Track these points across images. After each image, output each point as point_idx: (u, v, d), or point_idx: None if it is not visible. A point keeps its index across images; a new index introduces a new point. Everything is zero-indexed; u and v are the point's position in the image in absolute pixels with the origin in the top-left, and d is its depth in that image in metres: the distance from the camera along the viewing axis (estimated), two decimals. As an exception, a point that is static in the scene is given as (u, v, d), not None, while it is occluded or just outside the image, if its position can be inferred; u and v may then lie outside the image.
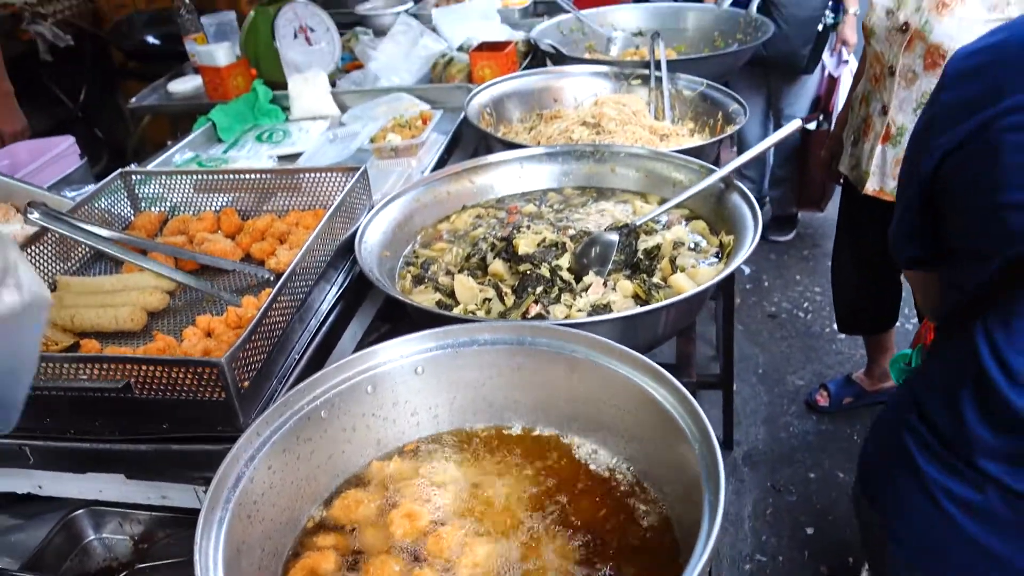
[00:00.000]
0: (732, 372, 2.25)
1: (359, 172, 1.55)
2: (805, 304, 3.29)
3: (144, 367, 1.06)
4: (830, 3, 3.16)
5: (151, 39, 3.74)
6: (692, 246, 1.48)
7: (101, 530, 1.38)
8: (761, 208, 3.17)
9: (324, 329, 1.32)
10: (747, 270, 3.51)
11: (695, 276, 1.35)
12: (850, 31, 3.22)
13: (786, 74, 3.32)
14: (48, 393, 1.10)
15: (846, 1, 3.20)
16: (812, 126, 3.41)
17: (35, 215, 1.41)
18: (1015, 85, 0.91)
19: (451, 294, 1.39)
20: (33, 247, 1.45)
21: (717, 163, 1.86)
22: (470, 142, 2.25)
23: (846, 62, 3.25)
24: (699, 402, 0.94)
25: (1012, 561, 1.00)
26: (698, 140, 2.03)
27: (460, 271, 1.44)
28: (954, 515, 1.04)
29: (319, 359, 1.30)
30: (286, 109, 2.44)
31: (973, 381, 1.00)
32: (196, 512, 1.23)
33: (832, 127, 2.98)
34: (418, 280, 1.46)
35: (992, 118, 0.92)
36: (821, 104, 3.42)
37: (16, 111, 2.79)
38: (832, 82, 3.30)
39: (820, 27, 3.10)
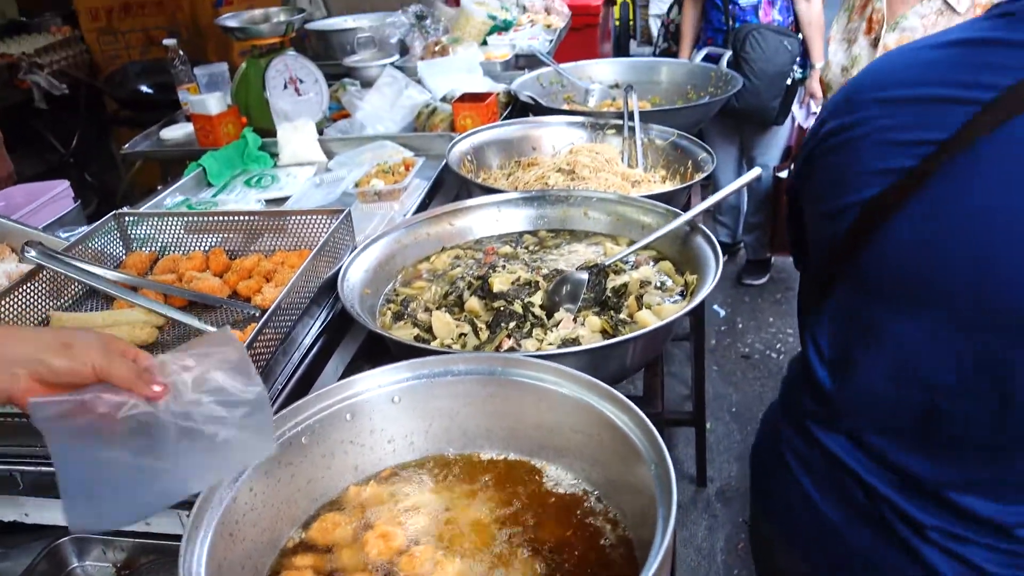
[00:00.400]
0: (704, 409, 2.32)
1: (343, 214, 1.63)
2: (778, 345, 3.38)
3: (134, 395, 1.12)
4: (798, 59, 3.34)
5: (144, 88, 3.86)
6: (659, 285, 1.56)
7: (84, 558, 1.41)
8: (735, 253, 3.34)
9: (307, 361, 1.38)
10: (722, 312, 3.61)
11: (660, 312, 1.43)
12: (817, 85, 3.41)
13: (757, 125, 3.50)
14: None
15: (812, 57, 3.41)
16: (784, 174, 3.57)
17: (32, 253, 1.47)
18: (834, 113, 1.10)
19: (429, 329, 1.46)
20: (27, 284, 1.51)
21: (687, 208, 1.96)
22: (451, 187, 2.35)
23: (815, 114, 3.42)
24: (675, 440, 1.01)
25: (819, 504, 1.21)
26: (669, 187, 2.13)
27: (438, 308, 1.51)
28: (795, 469, 1.24)
29: (301, 390, 1.36)
30: (274, 155, 2.53)
31: (805, 360, 1.21)
32: (178, 537, 1.28)
33: None
34: (398, 316, 1.53)
35: (817, 140, 1.12)
36: (792, 153, 3.57)
37: (3, 157, 2.85)
38: (802, 132, 3.48)
39: (789, 81, 3.29)
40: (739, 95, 3.03)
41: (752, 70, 3.20)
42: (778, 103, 3.32)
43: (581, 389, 1.09)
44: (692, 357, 2.66)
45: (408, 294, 1.61)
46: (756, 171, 1.69)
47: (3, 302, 1.44)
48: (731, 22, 3.38)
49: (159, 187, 3.39)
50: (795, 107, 3.45)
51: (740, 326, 3.53)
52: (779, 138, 3.60)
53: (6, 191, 2.29)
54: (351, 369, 1.59)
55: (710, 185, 2.72)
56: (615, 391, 1.06)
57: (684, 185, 1.99)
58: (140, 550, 1.41)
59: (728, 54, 3.05)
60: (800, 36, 3.39)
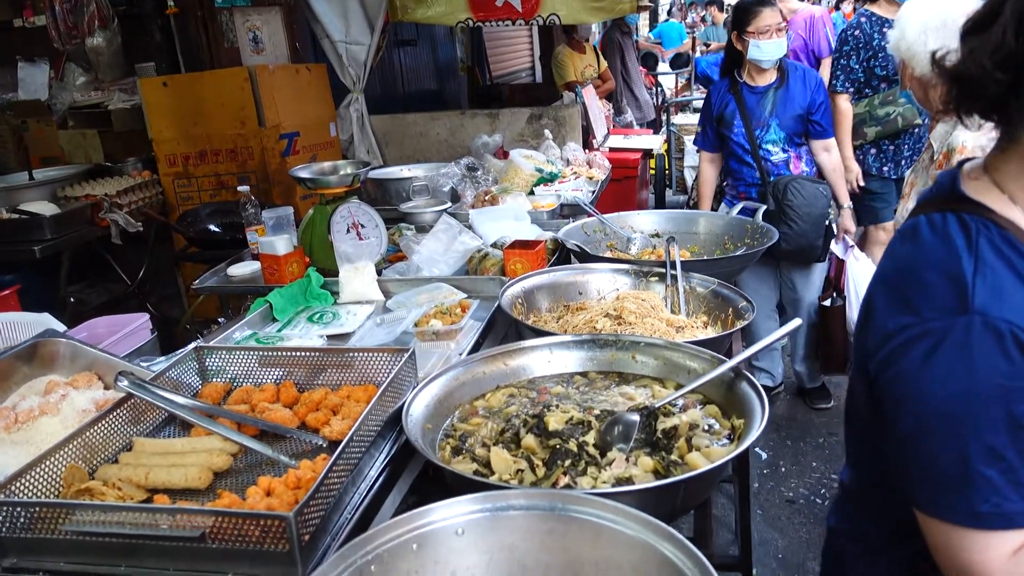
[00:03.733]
0: (751, 554, 2.29)
1: (408, 353, 1.75)
2: (823, 491, 3.34)
3: (219, 519, 1.20)
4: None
5: (212, 227, 4.13)
6: (706, 428, 1.62)
7: None
8: (777, 395, 3.34)
9: (372, 492, 1.46)
10: (763, 455, 3.60)
11: (710, 455, 1.49)
12: (848, 221, 3.81)
13: (801, 264, 3.82)
14: (130, 541, 1.24)
15: (839, 199, 3.78)
16: (828, 303, 3.85)
17: (124, 383, 1.60)
18: None
19: (487, 464, 1.53)
20: (117, 412, 1.63)
21: (729, 353, 2.05)
22: (501, 328, 2.47)
23: (852, 247, 3.71)
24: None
25: None
26: (711, 332, 2.23)
27: (495, 444, 1.59)
28: None
29: (366, 520, 1.43)
30: (335, 293, 2.69)
31: None
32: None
33: (846, 302, 3.41)
34: (456, 451, 1.61)
35: None
36: (832, 284, 3.90)
37: None
38: (840, 264, 3.76)
39: (827, 222, 3.55)
40: (786, 238, 3.44)
41: (798, 215, 3.49)
42: (820, 242, 3.60)
43: (641, 528, 1.15)
44: (736, 500, 2.65)
45: (466, 430, 1.69)
46: (796, 322, 1.79)
47: (94, 428, 1.56)
48: (766, 176, 3.64)
49: (220, 319, 3.59)
50: (832, 244, 3.74)
51: (783, 470, 3.50)
52: (818, 274, 3.89)
53: (90, 322, 2.46)
54: (404, 504, 1.65)
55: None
56: (675, 532, 1.11)
57: (727, 332, 2.09)
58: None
59: (763, 208, 3.23)
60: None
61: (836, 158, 3.78)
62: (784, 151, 3.69)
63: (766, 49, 3.54)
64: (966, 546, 1.03)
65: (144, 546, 1.24)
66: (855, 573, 1.41)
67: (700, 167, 4.08)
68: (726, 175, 3.94)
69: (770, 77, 3.65)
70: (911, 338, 1.06)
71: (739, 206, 3.36)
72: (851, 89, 4.16)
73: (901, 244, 1.17)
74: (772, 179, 3.64)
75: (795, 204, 3.47)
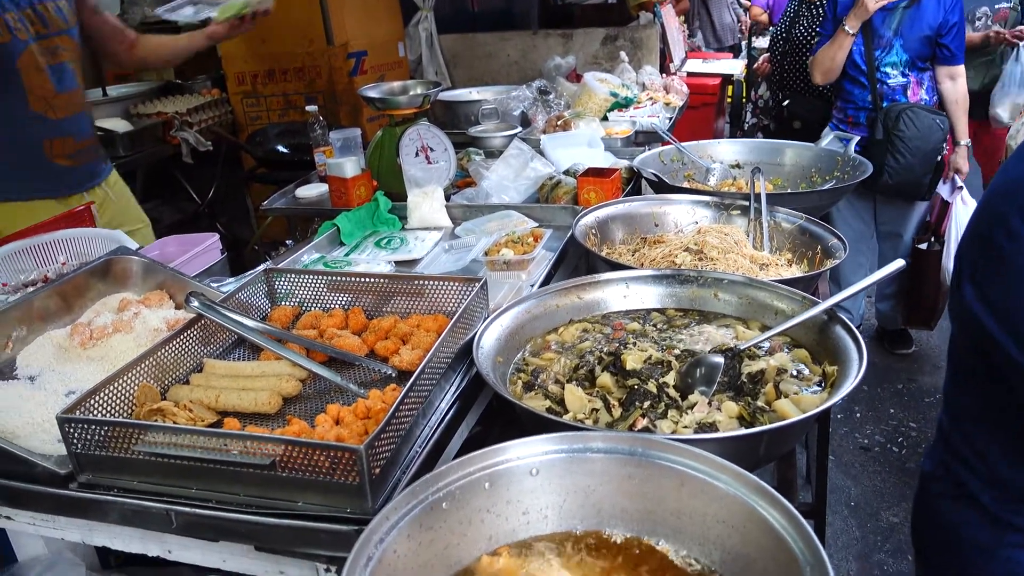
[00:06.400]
0: (825, 501, 2.22)
1: (480, 283, 1.68)
2: (899, 439, 3.21)
3: (290, 447, 1.17)
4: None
5: (280, 148, 4.11)
6: (795, 373, 1.52)
7: (216, 599, 1.46)
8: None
9: (442, 426, 1.42)
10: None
11: (799, 403, 1.39)
12: (962, 160, 3.49)
13: (902, 201, 3.57)
14: (200, 464, 1.23)
15: (957, 134, 3.46)
16: (923, 246, 3.62)
17: (195, 303, 1.58)
18: None
19: (560, 402, 1.47)
20: (188, 332, 1.61)
21: (816, 294, 1.92)
22: (572, 259, 2.39)
23: (961, 188, 3.46)
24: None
25: None
26: (796, 271, 2.10)
27: (569, 381, 1.52)
28: None
29: (435, 454, 1.39)
30: (403, 219, 2.64)
31: None
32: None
33: (944, 248, 3.20)
34: (528, 387, 1.55)
35: None
36: (931, 228, 3.63)
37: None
38: (944, 207, 3.48)
39: (938, 158, 3.32)
40: (890, 171, 3.25)
41: (907, 148, 3.25)
42: (928, 179, 3.36)
43: (731, 480, 1.08)
44: (809, 446, 2.56)
45: (538, 365, 1.63)
46: (899, 263, 1.65)
47: (166, 348, 1.55)
48: (878, 101, 3.41)
49: (288, 241, 3.59)
50: (939, 183, 3.50)
51: (858, 415, 3.38)
52: (916, 213, 3.65)
53: (161, 241, 2.47)
54: (474, 437, 1.61)
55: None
56: (766, 485, 1.03)
57: (818, 271, 1.96)
58: (267, 596, 1.45)
59: (856, 139, 3.01)
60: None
61: (962, 88, 3.46)
62: (904, 75, 3.41)
63: None
64: None
65: (215, 470, 1.23)
66: (946, 518, 1.40)
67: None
68: (835, 96, 3.68)
69: None
70: None
71: (830, 136, 3.14)
72: None
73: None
74: (885, 105, 3.38)
75: (906, 136, 3.23)
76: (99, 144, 2.93)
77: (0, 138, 2.57)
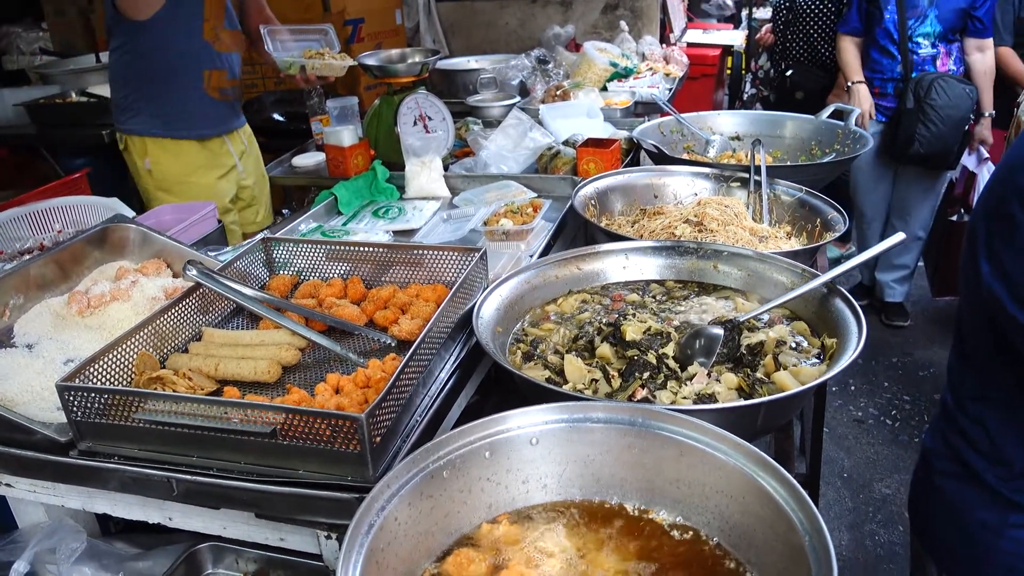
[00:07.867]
0: (819, 472, 2.24)
1: (480, 253, 1.67)
2: (893, 412, 3.24)
3: (291, 416, 1.18)
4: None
5: (276, 116, 4.07)
6: (793, 345, 1.53)
7: (218, 565, 1.48)
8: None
9: (442, 395, 1.42)
10: (833, 374, 3.51)
11: (798, 374, 1.40)
12: (987, 131, 3.54)
13: (928, 170, 3.59)
14: (201, 432, 1.23)
15: (983, 105, 3.49)
16: (955, 218, 3.67)
17: (193, 272, 1.57)
18: None
19: (560, 372, 1.47)
20: (186, 301, 1.61)
21: (814, 266, 1.92)
22: (571, 230, 2.38)
23: (987, 159, 3.50)
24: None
25: None
26: (796, 244, 2.10)
27: (568, 351, 1.53)
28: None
29: (435, 423, 1.40)
30: (400, 188, 2.62)
31: None
32: (307, 555, 1.32)
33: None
34: (527, 357, 1.55)
35: None
36: (959, 199, 3.68)
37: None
38: (971, 178, 3.52)
39: (966, 127, 3.37)
40: (921, 140, 3.30)
41: (939, 116, 3.29)
42: (957, 148, 3.41)
43: (730, 450, 1.08)
44: (805, 418, 2.58)
45: (537, 335, 1.63)
46: (899, 236, 1.65)
47: (165, 316, 1.54)
48: (908, 71, 3.43)
49: (284, 210, 3.56)
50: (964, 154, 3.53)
51: (852, 388, 3.40)
52: (941, 183, 3.69)
53: (157, 209, 2.45)
54: (471, 407, 1.62)
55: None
56: (765, 455, 1.04)
57: (818, 244, 1.96)
58: (268, 563, 1.46)
59: (856, 112, 2.98)
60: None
61: (990, 60, 3.49)
62: (934, 46, 3.42)
63: None
64: None
65: (216, 438, 1.23)
66: (949, 497, 1.40)
67: (842, 49, 3.74)
68: (862, 65, 3.67)
69: None
70: None
71: (830, 108, 3.11)
72: None
73: None
74: (915, 75, 3.39)
75: (938, 104, 3.27)
76: (242, 89, 3.25)
77: (169, 60, 2.84)
